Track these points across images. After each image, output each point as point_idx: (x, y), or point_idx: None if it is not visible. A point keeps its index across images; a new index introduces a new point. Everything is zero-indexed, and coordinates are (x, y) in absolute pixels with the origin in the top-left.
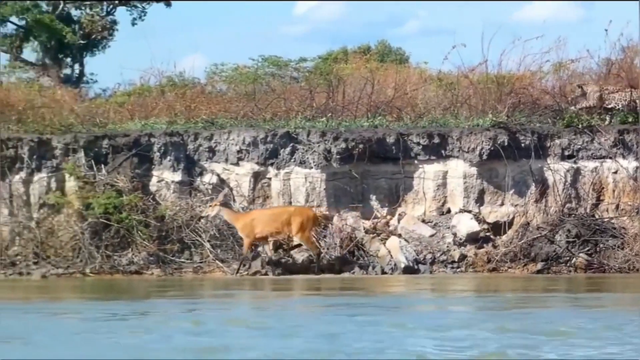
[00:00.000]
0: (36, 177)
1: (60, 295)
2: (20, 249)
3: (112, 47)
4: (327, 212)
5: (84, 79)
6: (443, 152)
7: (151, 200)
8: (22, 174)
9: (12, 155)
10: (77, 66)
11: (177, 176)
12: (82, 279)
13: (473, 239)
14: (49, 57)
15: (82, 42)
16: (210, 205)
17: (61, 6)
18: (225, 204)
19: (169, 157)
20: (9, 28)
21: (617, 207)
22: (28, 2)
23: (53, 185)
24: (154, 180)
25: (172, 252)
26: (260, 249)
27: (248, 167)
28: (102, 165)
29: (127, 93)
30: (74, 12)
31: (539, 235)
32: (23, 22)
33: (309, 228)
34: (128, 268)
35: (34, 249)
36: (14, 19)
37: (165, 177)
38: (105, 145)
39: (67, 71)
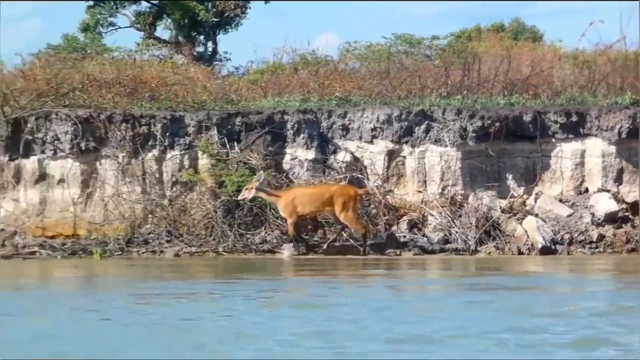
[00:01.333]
0: (169, 155)
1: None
2: (153, 227)
3: (245, 25)
4: (369, 189)
5: (217, 56)
6: (581, 130)
7: (284, 179)
8: (155, 152)
9: (145, 133)
10: (210, 44)
11: (311, 154)
12: (214, 258)
13: (611, 219)
14: (182, 35)
15: (215, 19)
16: (247, 189)
17: None
18: (261, 188)
19: (302, 135)
20: (143, 6)
21: None
22: None
23: (186, 162)
24: (287, 158)
25: (306, 231)
26: None
27: (382, 145)
28: (235, 143)
29: (260, 71)
30: None
31: None
32: (157, 0)
33: (352, 207)
34: (261, 247)
35: (166, 227)
36: None
37: (298, 154)
38: (238, 123)
39: (200, 49)
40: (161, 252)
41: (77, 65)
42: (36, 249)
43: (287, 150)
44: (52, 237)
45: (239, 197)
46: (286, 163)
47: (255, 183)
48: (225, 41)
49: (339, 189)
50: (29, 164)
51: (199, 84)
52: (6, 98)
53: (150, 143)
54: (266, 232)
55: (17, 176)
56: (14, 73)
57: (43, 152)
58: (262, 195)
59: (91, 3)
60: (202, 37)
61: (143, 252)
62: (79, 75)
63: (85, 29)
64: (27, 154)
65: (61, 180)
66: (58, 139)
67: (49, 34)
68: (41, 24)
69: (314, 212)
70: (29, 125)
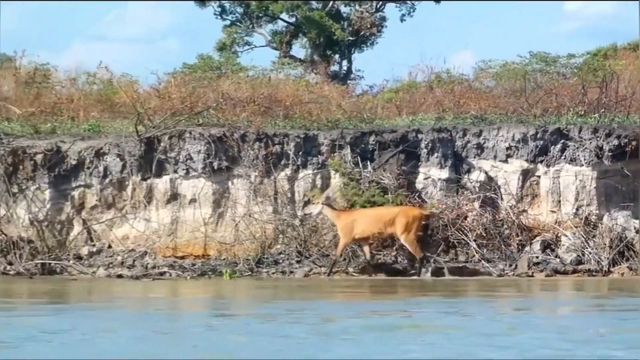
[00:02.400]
0: (301, 174)
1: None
2: (283, 247)
3: (380, 44)
4: (432, 210)
5: (352, 75)
6: None
7: (417, 198)
8: (288, 171)
9: (278, 152)
10: (345, 62)
11: (444, 173)
12: (345, 278)
13: None
14: (318, 54)
15: (350, 38)
16: (314, 203)
17: (331, 3)
18: (329, 204)
19: (436, 154)
20: (279, 25)
21: None
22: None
23: (318, 182)
24: (420, 177)
25: (437, 251)
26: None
27: (517, 165)
28: (368, 162)
29: (395, 89)
30: (343, 9)
31: None
32: (293, 19)
33: (414, 230)
34: (392, 267)
35: (297, 247)
36: (284, 16)
37: (432, 174)
38: (371, 142)
39: (335, 67)
40: (291, 272)
41: (212, 84)
42: (166, 269)
43: (421, 169)
44: (182, 258)
45: (306, 211)
46: (419, 182)
47: (322, 198)
48: (360, 59)
49: (403, 210)
50: (161, 184)
51: (334, 102)
52: (140, 117)
53: (282, 162)
54: (397, 253)
55: (149, 196)
56: (149, 92)
57: (175, 171)
58: (327, 211)
59: (228, 22)
60: (337, 56)
61: (273, 273)
62: (213, 94)
63: (222, 48)
64: (159, 173)
65: (193, 200)
66: (191, 158)
67: (185, 53)
68: (178, 43)
69: (374, 233)
70: (162, 144)
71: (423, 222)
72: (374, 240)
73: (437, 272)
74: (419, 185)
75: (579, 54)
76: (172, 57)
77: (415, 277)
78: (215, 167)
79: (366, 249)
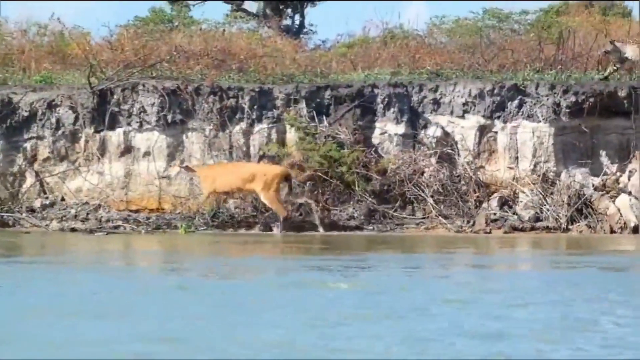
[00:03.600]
0: (257, 128)
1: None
2: (239, 202)
3: None
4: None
5: (304, 30)
6: None
7: (373, 153)
8: (243, 125)
9: (233, 105)
10: (297, 17)
11: (401, 128)
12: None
13: None
14: (270, 8)
15: None
16: (172, 166)
17: None
18: (186, 166)
19: (392, 109)
20: None
21: None
22: None
23: (274, 136)
24: (376, 132)
25: (394, 207)
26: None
27: (474, 120)
28: (324, 117)
29: (348, 44)
30: None
31: None
32: None
33: (274, 187)
34: (348, 223)
35: (252, 202)
36: None
37: (388, 129)
38: (327, 96)
39: (287, 22)
40: (248, 227)
41: (165, 37)
42: (120, 223)
43: (377, 124)
44: (137, 212)
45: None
46: (375, 137)
47: (178, 162)
48: (312, 14)
49: (261, 168)
50: (115, 137)
51: (288, 56)
52: (93, 69)
53: (237, 116)
54: (353, 209)
55: (102, 149)
56: (101, 44)
57: (129, 124)
58: (187, 171)
59: None
60: (289, 10)
61: (229, 228)
62: (166, 47)
63: (174, 0)
64: (112, 126)
65: (147, 153)
66: (144, 111)
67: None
68: None
69: (234, 189)
70: (115, 96)
71: (284, 181)
72: (237, 195)
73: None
74: (375, 141)
75: (532, 11)
76: (124, 9)
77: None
78: (169, 120)
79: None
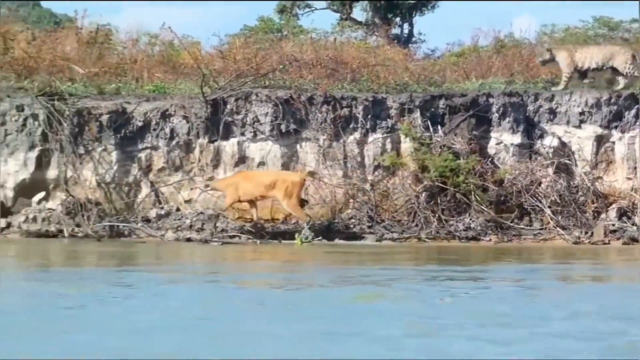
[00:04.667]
0: (371, 138)
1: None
2: (354, 212)
3: (441, 7)
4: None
5: (413, 39)
6: None
7: (489, 164)
8: (357, 134)
9: (347, 115)
10: (406, 26)
11: (517, 138)
12: (417, 244)
13: None
14: (378, 17)
15: (411, 1)
16: (192, 188)
17: None
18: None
19: (507, 119)
20: None
21: None
22: None
23: (388, 146)
24: (492, 142)
25: (511, 218)
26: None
27: (590, 130)
28: (439, 126)
29: (457, 53)
30: None
31: None
32: None
33: (295, 195)
34: (465, 234)
35: (368, 212)
36: None
37: (504, 139)
38: (442, 106)
39: (396, 31)
40: (362, 237)
41: (275, 46)
42: (235, 233)
43: (492, 134)
44: (252, 221)
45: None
46: (491, 148)
47: (201, 184)
48: (421, 23)
49: (282, 176)
50: (229, 146)
51: (401, 65)
52: (205, 78)
53: (351, 126)
54: (470, 219)
55: (217, 158)
56: (211, 54)
57: (243, 134)
58: (213, 186)
59: None
60: (398, 19)
61: (344, 238)
62: (277, 56)
63: (282, 10)
64: (226, 135)
65: (261, 163)
66: (258, 121)
67: (243, 15)
68: (236, 5)
69: (257, 196)
70: (228, 106)
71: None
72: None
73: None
74: (491, 151)
75: None
76: (231, 19)
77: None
78: (283, 130)
79: (254, 211)
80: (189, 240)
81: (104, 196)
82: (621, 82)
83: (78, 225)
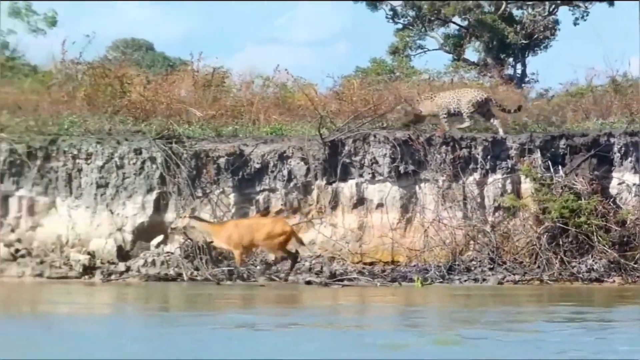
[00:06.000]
0: (490, 179)
1: (516, 301)
2: (475, 253)
3: (554, 47)
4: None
5: (526, 78)
6: None
7: (611, 204)
8: (476, 175)
9: (466, 156)
10: (519, 66)
11: (638, 178)
12: (539, 286)
13: None
14: (491, 57)
15: (523, 42)
16: (181, 217)
17: (503, 6)
18: (196, 216)
19: (629, 158)
20: (452, 28)
21: None
22: (470, 2)
23: (508, 187)
24: (613, 182)
25: (635, 259)
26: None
27: None
28: (559, 167)
29: (572, 93)
30: (516, 12)
31: None
32: (465, 23)
33: (277, 241)
34: (587, 275)
35: (489, 253)
36: (456, 19)
37: (626, 179)
38: (562, 146)
39: (509, 71)
40: (483, 280)
41: (389, 87)
42: (355, 275)
43: (614, 174)
44: (371, 264)
45: (172, 226)
46: (613, 188)
47: (188, 212)
48: (534, 63)
49: (269, 221)
50: (347, 188)
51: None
52: (323, 120)
53: (470, 166)
54: (593, 260)
55: (335, 200)
56: (327, 95)
57: (361, 175)
58: (197, 224)
59: (400, 26)
60: (510, 59)
61: (465, 280)
62: (392, 97)
63: (394, 51)
64: (344, 177)
65: (379, 205)
66: (376, 162)
67: (355, 57)
68: (348, 47)
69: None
70: (346, 147)
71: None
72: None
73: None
74: (612, 191)
75: None
76: (342, 60)
77: None
78: (402, 171)
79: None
80: (308, 283)
81: None
82: None
83: (197, 269)
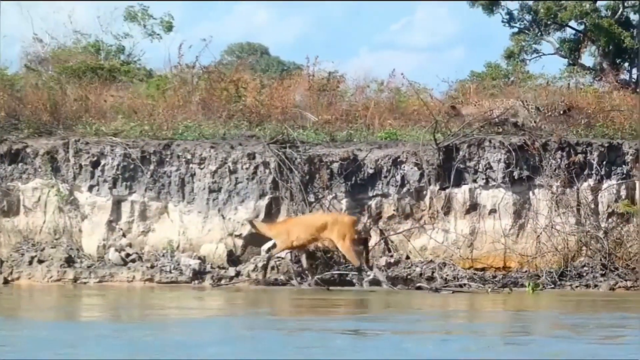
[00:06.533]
0: (605, 184)
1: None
2: (587, 259)
3: None
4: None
5: None
6: None
7: None
8: (590, 181)
9: (581, 161)
10: (634, 70)
11: None
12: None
13: None
14: (607, 62)
15: None
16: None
17: (620, 10)
18: (251, 221)
19: None
20: (568, 33)
21: None
22: (587, 6)
23: (622, 193)
24: None
25: None
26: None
27: None
28: None
29: None
30: (633, 17)
31: None
32: (581, 27)
33: (349, 237)
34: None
35: (601, 260)
36: (572, 23)
37: None
38: None
39: (625, 76)
40: (595, 286)
41: (505, 92)
42: (466, 281)
43: None
44: (482, 270)
45: (236, 233)
46: None
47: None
48: None
49: (334, 217)
50: (460, 194)
51: (636, 110)
52: (437, 125)
53: (585, 172)
54: None
55: (447, 206)
56: (442, 100)
57: (474, 181)
58: (257, 227)
59: (515, 30)
60: (626, 64)
61: (576, 286)
62: (507, 102)
63: (509, 56)
64: (458, 182)
65: (492, 211)
66: (490, 168)
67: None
68: (464, 52)
69: (309, 240)
70: (460, 153)
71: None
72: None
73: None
74: None
75: None
76: (457, 65)
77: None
78: (516, 177)
79: (303, 258)
80: (419, 288)
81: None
82: None
83: (307, 274)
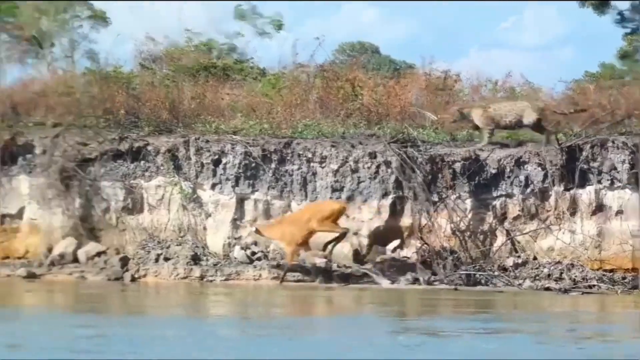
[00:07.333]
0: None
1: None
2: None
3: None
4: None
5: None
6: None
7: None
8: None
9: None
10: None
11: None
12: None
13: None
14: None
15: None
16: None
17: None
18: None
19: None
20: None
21: None
22: None
23: None
24: None
25: None
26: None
27: None
28: None
29: None
30: None
31: None
32: None
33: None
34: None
35: None
36: None
37: None
38: None
39: None
40: None
41: (622, 92)
42: (595, 282)
43: None
44: (611, 271)
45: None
46: None
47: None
48: None
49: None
50: (585, 194)
51: None
52: (560, 125)
53: None
54: None
55: (573, 207)
56: (557, 100)
57: (599, 182)
58: (258, 232)
59: (628, 30)
60: None
61: None
62: (627, 102)
63: (623, 56)
64: (582, 183)
65: (619, 212)
66: (615, 168)
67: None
68: (574, 51)
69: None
70: (584, 153)
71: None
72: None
73: None
74: None
75: None
76: (567, 65)
77: None
78: None
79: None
80: (547, 289)
81: (459, 244)
82: None
83: (434, 274)
